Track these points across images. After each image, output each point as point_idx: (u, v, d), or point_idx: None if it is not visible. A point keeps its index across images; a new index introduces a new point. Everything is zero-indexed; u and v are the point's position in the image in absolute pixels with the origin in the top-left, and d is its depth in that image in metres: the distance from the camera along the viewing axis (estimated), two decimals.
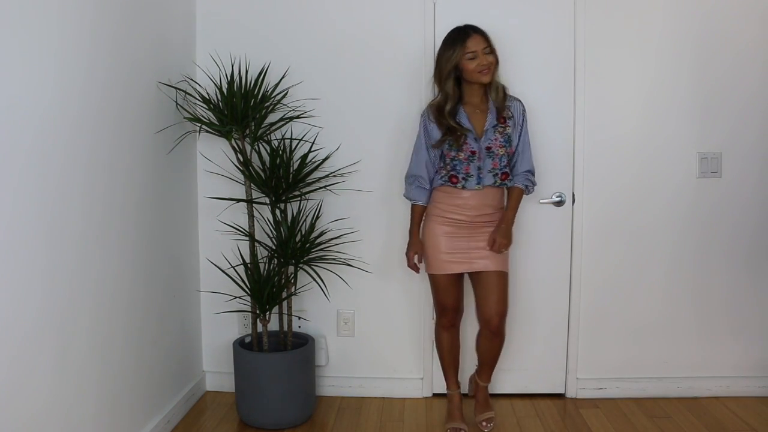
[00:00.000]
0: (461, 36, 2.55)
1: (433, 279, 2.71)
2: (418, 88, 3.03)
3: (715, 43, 2.99)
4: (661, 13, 2.99)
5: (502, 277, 2.64)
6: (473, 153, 2.58)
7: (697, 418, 2.88)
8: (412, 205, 2.74)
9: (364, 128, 3.07)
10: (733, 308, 3.09)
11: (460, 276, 2.71)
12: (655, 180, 3.05)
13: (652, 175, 3.04)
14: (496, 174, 2.61)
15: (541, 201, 3.02)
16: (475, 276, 2.68)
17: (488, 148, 2.59)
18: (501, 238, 2.62)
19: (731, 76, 3.00)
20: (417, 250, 2.72)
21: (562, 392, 3.15)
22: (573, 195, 3.05)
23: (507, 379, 3.11)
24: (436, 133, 2.61)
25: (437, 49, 2.68)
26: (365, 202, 3.08)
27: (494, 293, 2.62)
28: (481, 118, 2.61)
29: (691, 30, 2.99)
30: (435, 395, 3.16)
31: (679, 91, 3.01)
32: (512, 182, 2.67)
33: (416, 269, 2.76)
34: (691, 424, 2.82)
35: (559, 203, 3.04)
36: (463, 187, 2.60)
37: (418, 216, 2.73)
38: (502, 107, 2.62)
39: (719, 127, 3.02)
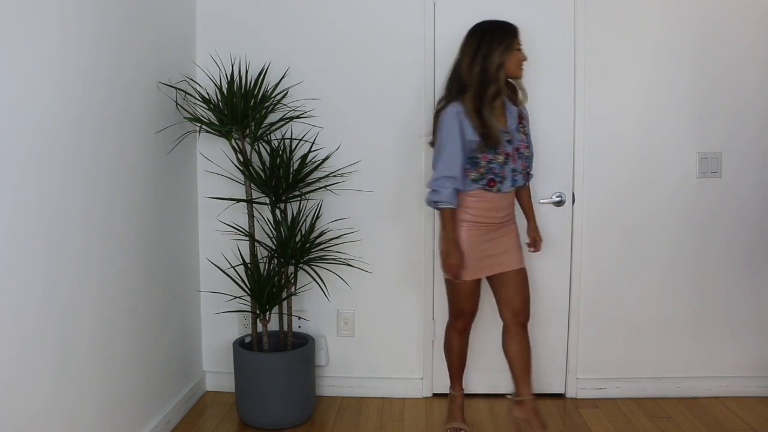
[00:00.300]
0: (511, 29, 2.50)
1: (457, 285, 2.59)
2: (418, 88, 3.03)
3: (714, 43, 2.99)
4: (661, 14, 2.99)
5: (525, 273, 2.64)
6: (507, 155, 2.50)
7: (697, 418, 2.88)
8: (446, 210, 2.50)
9: (364, 128, 3.07)
10: (733, 308, 3.10)
11: (480, 279, 2.65)
12: (656, 180, 3.05)
13: (653, 176, 3.05)
14: (524, 175, 2.60)
15: (541, 201, 3.02)
16: (498, 276, 2.61)
17: (517, 149, 2.54)
18: (538, 236, 2.75)
19: (731, 76, 3.00)
20: (460, 256, 2.51)
21: (562, 392, 3.15)
22: (573, 195, 3.05)
23: (507, 379, 3.11)
24: (471, 134, 2.44)
25: (456, 46, 2.55)
26: (365, 202, 3.08)
27: (521, 289, 2.61)
28: (503, 118, 2.54)
29: (691, 30, 2.99)
30: (435, 395, 3.16)
31: (679, 91, 3.01)
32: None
33: (459, 276, 2.55)
34: (691, 424, 2.82)
35: (559, 203, 3.04)
36: (498, 191, 2.52)
37: (454, 220, 2.51)
38: (518, 107, 2.59)
39: (719, 127, 3.02)
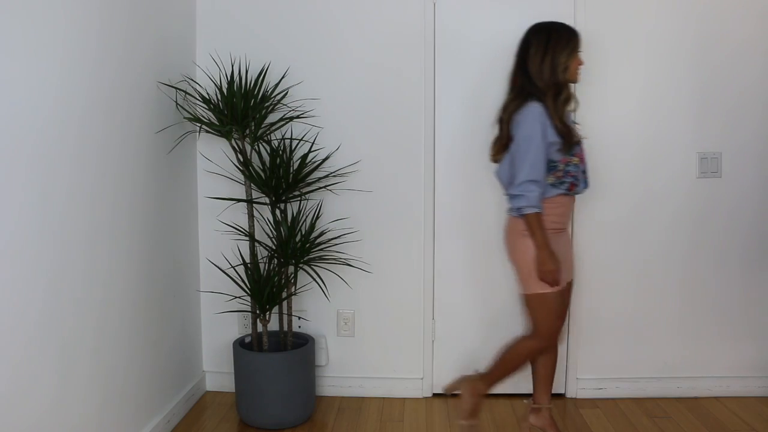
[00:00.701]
0: (574, 31, 2.41)
1: (550, 298, 2.37)
2: (418, 87, 3.03)
3: (713, 43, 2.99)
4: (659, 14, 2.99)
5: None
6: (580, 157, 2.42)
7: (697, 418, 2.88)
8: (533, 215, 2.30)
9: (364, 128, 3.07)
10: (734, 308, 3.09)
11: None
12: (656, 180, 3.05)
13: (652, 176, 3.04)
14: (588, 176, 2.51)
15: None
16: None
17: (583, 150, 2.48)
18: None
19: (730, 76, 3.00)
20: (557, 262, 2.32)
21: (562, 392, 3.15)
22: None
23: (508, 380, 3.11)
24: (551, 134, 2.31)
25: (519, 44, 2.45)
26: (365, 202, 3.08)
27: (569, 298, 2.57)
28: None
29: (689, 30, 2.99)
30: (435, 395, 3.16)
31: (679, 91, 3.01)
32: None
33: (558, 283, 2.35)
34: (691, 424, 2.82)
35: None
36: (576, 194, 2.43)
37: (543, 225, 2.32)
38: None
39: (719, 127, 3.02)
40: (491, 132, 3.02)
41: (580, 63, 2.43)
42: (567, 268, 2.47)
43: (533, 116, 2.29)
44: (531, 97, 2.34)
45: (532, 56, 2.37)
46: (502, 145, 2.45)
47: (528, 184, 2.29)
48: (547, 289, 2.35)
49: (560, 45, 2.36)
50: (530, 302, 2.41)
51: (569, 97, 2.39)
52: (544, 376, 2.61)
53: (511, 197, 2.35)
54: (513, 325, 3.12)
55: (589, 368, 3.12)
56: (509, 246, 2.46)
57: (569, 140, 2.33)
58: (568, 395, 3.14)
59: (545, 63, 2.35)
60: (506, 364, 2.51)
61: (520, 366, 2.52)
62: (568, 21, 2.94)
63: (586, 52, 2.96)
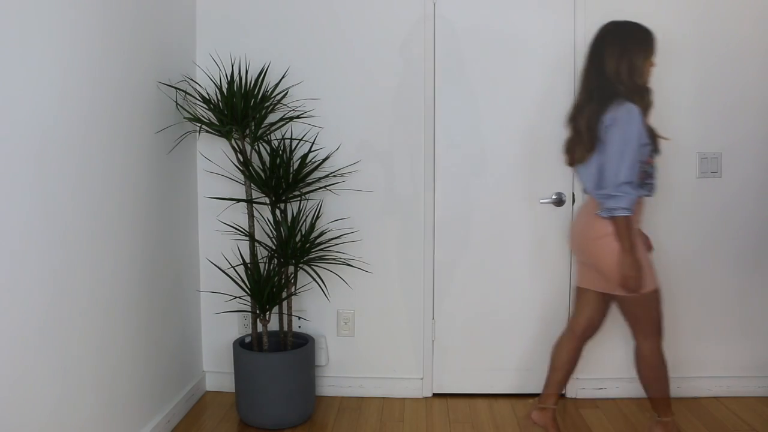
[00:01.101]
0: (651, 33, 2.35)
1: (654, 295, 2.37)
2: (418, 88, 3.03)
3: (714, 43, 2.99)
4: (660, 13, 2.99)
5: None
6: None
7: (697, 418, 2.88)
8: (623, 218, 2.25)
9: (364, 128, 3.07)
10: (734, 308, 3.10)
11: None
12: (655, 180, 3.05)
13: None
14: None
15: (541, 201, 3.02)
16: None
17: None
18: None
19: (731, 76, 3.00)
20: (639, 269, 2.28)
21: (562, 392, 3.14)
22: (573, 195, 3.05)
23: (507, 379, 3.12)
24: (645, 137, 2.27)
25: (582, 45, 2.44)
26: (365, 202, 3.08)
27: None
28: None
29: (690, 29, 2.99)
30: (435, 395, 3.16)
31: (679, 91, 3.01)
32: None
33: (638, 290, 2.31)
34: (691, 424, 2.82)
35: (559, 203, 3.04)
36: (650, 196, 2.41)
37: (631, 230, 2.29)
38: None
39: (719, 127, 3.02)
40: (492, 132, 3.05)
41: (653, 65, 2.37)
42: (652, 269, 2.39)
43: (632, 117, 2.23)
44: (617, 98, 2.29)
45: (608, 57, 2.33)
46: (587, 147, 2.36)
47: (626, 186, 2.24)
48: (655, 285, 2.34)
49: (636, 47, 2.32)
50: (643, 305, 2.38)
51: (651, 100, 2.35)
52: (560, 377, 2.60)
53: (607, 198, 2.27)
54: (513, 324, 3.12)
55: (589, 368, 3.12)
56: (592, 249, 2.39)
57: (656, 143, 2.33)
58: (568, 395, 3.14)
59: (622, 65, 2.30)
60: (656, 381, 2.49)
61: (665, 370, 2.48)
62: (566, 21, 2.98)
63: (586, 50, 2.98)
